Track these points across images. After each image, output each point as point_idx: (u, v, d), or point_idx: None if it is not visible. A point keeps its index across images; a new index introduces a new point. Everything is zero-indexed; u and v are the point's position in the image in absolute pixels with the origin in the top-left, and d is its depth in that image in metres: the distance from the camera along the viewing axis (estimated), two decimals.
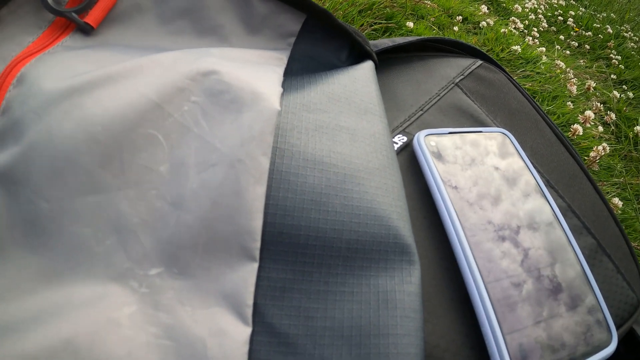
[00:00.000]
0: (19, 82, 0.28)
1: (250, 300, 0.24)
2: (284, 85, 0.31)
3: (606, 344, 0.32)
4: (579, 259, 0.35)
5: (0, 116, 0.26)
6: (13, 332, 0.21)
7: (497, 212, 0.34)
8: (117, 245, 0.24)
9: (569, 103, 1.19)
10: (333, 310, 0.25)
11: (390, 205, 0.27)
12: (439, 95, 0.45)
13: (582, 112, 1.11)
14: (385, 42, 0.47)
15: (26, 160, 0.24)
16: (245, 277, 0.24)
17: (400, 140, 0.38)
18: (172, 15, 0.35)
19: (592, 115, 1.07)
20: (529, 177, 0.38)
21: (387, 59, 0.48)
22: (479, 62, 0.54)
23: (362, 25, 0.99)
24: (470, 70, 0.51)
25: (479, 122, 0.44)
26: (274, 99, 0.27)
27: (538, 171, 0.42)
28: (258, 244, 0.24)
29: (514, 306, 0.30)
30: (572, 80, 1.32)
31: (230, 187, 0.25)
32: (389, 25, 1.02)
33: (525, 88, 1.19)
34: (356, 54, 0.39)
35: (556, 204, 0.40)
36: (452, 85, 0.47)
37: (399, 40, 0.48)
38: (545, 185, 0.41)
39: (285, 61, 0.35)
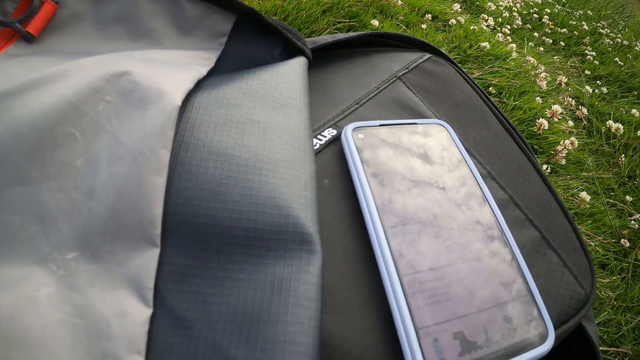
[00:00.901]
0: None
1: (151, 284, 0.25)
2: (204, 83, 0.33)
3: (540, 342, 0.31)
4: (513, 252, 0.34)
5: None
6: None
7: (421, 205, 0.34)
8: (40, 232, 0.26)
9: (538, 98, 1.20)
10: (229, 296, 0.26)
11: (292, 195, 0.28)
12: (378, 89, 0.45)
13: (551, 107, 1.11)
14: (325, 38, 0.47)
15: None
16: (147, 261, 0.26)
17: (329, 133, 0.38)
18: (108, 21, 0.37)
19: (560, 110, 1.07)
20: (463, 168, 0.38)
21: (329, 55, 0.48)
22: (427, 55, 0.54)
23: (325, 23, 0.99)
24: (416, 64, 0.51)
25: (418, 115, 0.44)
26: (177, 96, 0.29)
27: (479, 162, 0.42)
28: (158, 231, 0.26)
29: (431, 300, 0.29)
30: (541, 75, 1.32)
31: (133, 178, 0.27)
32: (352, 24, 1.02)
33: (492, 84, 1.20)
34: (290, 51, 0.41)
35: (497, 196, 0.39)
36: (394, 79, 0.47)
37: (340, 36, 0.48)
38: (486, 177, 0.41)
39: (214, 60, 0.37)
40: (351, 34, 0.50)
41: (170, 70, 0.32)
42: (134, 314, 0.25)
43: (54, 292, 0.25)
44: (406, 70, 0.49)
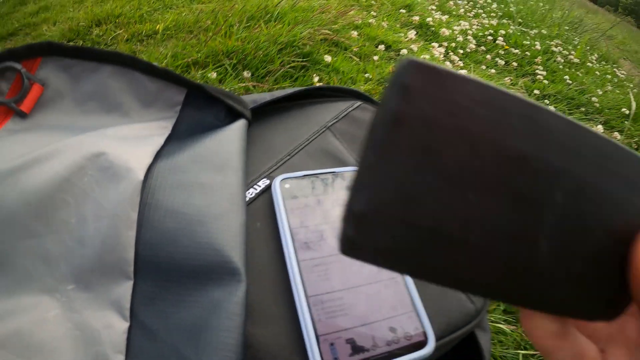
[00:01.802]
0: None
1: (128, 305, 0.36)
2: (162, 151, 0.44)
3: (421, 347, 0.38)
4: (403, 277, 0.41)
5: None
6: None
7: (330, 242, 0.42)
8: (47, 271, 0.37)
9: None
10: (183, 313, 0.36)
11: (227, 240, 0.38)
12: (308, 140, 0.53)
13: None
14: (264, 96, 0.56)
15: None
16: (125, 290, 0.36)
17: (263, 183, 0.46)
18: (84, 98, 0.48)
19: None
20: None
21: (270, 109, 0.57)
22: (358, 103, 0.61)
23: (280, 62, 1.08)
24: (345, 112, 0.59)
25: (342, 163, 0.51)
26: (141, 172, 0.40)
27: None
28: (132, 268, 0.37)
29: (331, 315, 0.38)
30: None
31: (112, 232, 0.37)
32: (304, 63, 1.11)
33: None
34: (233, 114, 0.49)
35: None
36: (324, 129, 0.55)
37: (278, 93, 0.57)
38: None
39: (170, 128, 0.47)
40: (288, 90, 0.58)
41: (135, 146, 0.42)
42: (116, 327, 0.35)
43: (59, 314, 0.35)
44: (336, 120, 0.57)
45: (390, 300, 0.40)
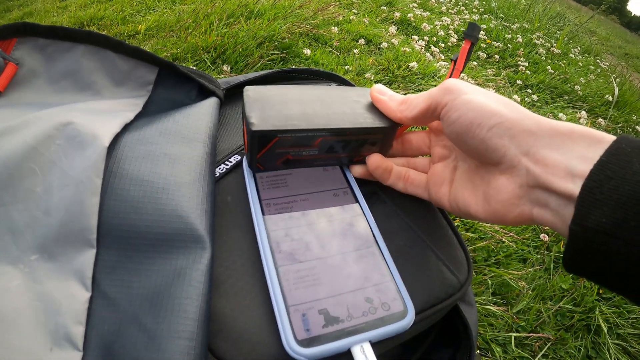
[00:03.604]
0: None
1: (90, 275, 0.35)
2: (131, 125, 0.44)
3: (400, 318, 0.36)
4: (380, 249, 0.40)
5: None
6: None
7: (298, 210, 0.42)
8: (11, 241, 0.36)
9: None
10: (144, 282, 0.35)
11: (191, 207, 0.38)
12: None
13: None
14: (238, 78, 0.56)
15: None
16: (87, 259, 0.36)
17: (235, 159, 0.47)
18: (57, 77, 0.48)
19: None
20: (344, 184, 0.46)
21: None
22: (332, 85, 0.63)
23: (259, 55, 1.08)
24: None
25: None
26: (106, 139, 0.40)
27: (369, 182, 0.48)
28: (94, 236, 0.36)
29: (302, 285, 0.36)
30: None
31: (76, 199, 0.37)
32: (283, 55, 1.12)
33: None
34: (205, 93, 0.50)
35: (384, 209, 0.46)
36: None
37: (251, 75, 0.58)
38: (374, 193, 0.48)
39: (141, 106, 0.47)
40: (262, 72, 0.59)
41: (103, 118, 0.42)
42: (78, 297, 0.35)
43: (21, 284, 0.35)
44: None
45: (366, 271, 0.39)
